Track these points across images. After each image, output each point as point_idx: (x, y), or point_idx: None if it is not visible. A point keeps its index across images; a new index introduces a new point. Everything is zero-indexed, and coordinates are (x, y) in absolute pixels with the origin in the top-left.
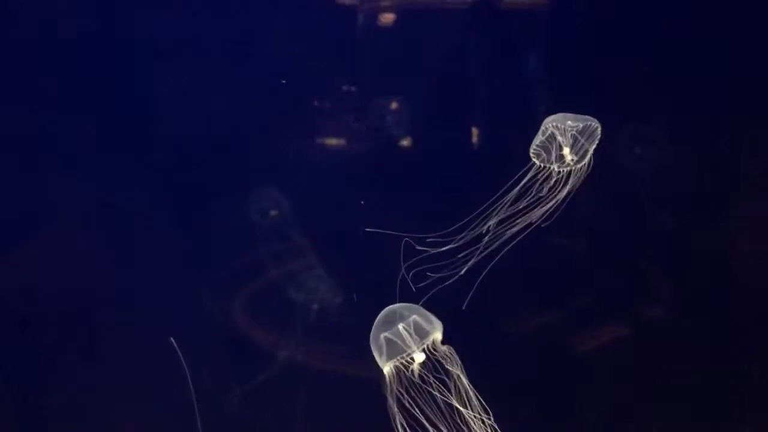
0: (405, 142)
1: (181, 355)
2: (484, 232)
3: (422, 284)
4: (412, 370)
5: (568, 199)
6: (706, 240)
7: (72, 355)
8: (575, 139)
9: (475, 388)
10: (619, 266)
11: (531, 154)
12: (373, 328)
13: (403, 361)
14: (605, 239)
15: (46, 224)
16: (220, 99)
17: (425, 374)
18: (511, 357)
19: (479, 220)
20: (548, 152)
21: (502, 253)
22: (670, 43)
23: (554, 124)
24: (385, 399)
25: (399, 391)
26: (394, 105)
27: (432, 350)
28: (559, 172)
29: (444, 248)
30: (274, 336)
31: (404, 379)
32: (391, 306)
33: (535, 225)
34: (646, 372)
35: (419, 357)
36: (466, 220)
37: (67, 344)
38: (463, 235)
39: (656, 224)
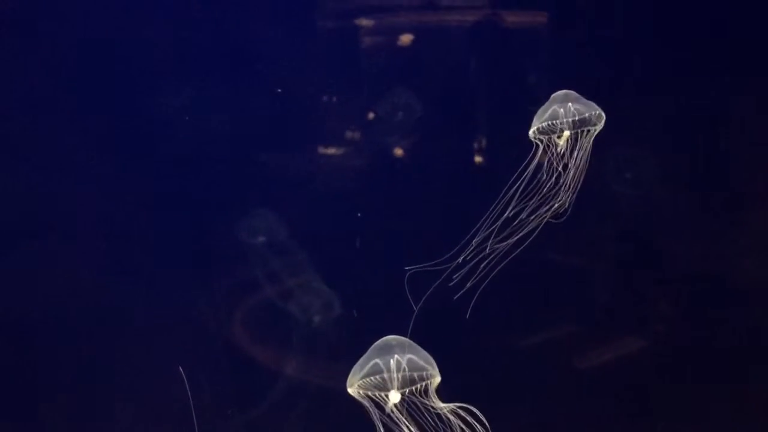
0: (404, 156)
1: (187, 384)
2: (486, 246)
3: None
4: (388, 405)
5: (572, 214)
6: (709, 254)
7: (70, 364)
8: (576, 124)
9: (478, 404)
10: (622, 282)
11: (535, 132)
12: (369, 350)
13: (377, 394)
14: (609, 255)
15: (47, 236)
16: (219, 114)
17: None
18: (513, 373)
19: (481, 234)
20: (552, 132)
21: (500, 266)
22: (671, 59)
23: (559, 105)
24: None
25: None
26: (393, 119)
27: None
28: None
29: (446, 273)
30: (272, 352)
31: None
32: (395, 336)
33: (537, 236)
34: (649, 387)
35: (395, 397)
36: (468, 235)
37: (65, 354)
38: (466, 254)
39: (660, 240)
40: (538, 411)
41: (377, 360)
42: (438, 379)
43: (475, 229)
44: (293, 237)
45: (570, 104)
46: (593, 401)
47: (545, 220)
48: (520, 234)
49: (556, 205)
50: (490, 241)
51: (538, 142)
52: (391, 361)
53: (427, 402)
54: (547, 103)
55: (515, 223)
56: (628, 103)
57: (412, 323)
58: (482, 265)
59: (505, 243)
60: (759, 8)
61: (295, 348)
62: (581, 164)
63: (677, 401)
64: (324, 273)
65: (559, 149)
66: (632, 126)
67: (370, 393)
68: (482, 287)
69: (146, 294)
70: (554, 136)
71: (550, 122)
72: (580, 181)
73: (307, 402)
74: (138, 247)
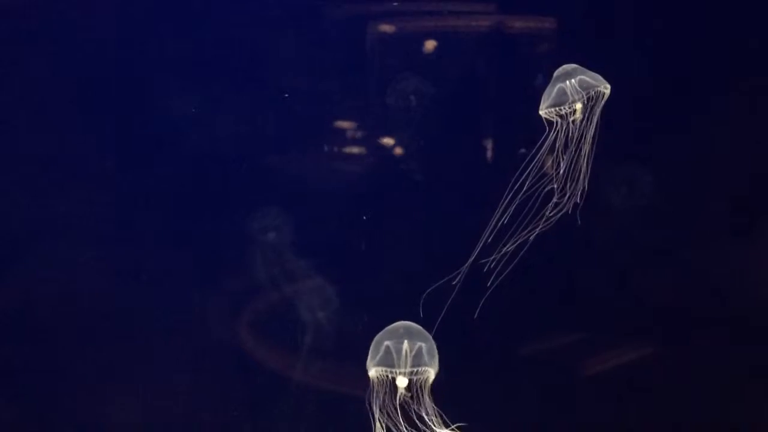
0: (409, 157)
1: None
2: (495, 251)
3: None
4: (395, 389)
5: (573, 218)
6: (712, 263)
7: (76, 365)
8: (583, 96)
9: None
10: (626, 289)
11: (546, 111)
12: (384, 331)
13: (387, 375)
14: (613, 262)
15: (50, 237)
16: (226, 118)
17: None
18: (518, 380)
19: (487, 237)
20: (562, 106)
21: (506, 272)
22: (673, 69)
23: (566, 81)
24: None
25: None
26: (402, 123)
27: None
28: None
29: (458, 280)
30: (278, 355)
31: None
32: (410, 323)
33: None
34: (653, 393)
35: (402, 382)
36: (478, 246)
37: (71, 355)
38: (469, 261)
39: (665, 249)
40: (541, 415)
41: (388, 342)
42: (433, 375)
43: (485, 232)
44: (299, 240)
45: (573, 79)
46: (597, 406)
47: (551, 223)
48: (527, 238)
49: (561, 208)
50: (499, 246)
51: (551, 119)
52: (403, 345)
53: (423, 403)
54: (552, 81)
55: (515, 223)
56: (634, 106)
57: (435, 328)
58: (492, 268)
59: (511, 247)
60: (759, 8)
61: (299, 352)
62: (588, 152)
63: (679, 405)
64: (329, 276)
65: (573, 121)
66: (635, 128)
67: (383, 374)
68: (490, 290)
69: (151, 295)
70: (567, 109)
71: (559, 104)
72: (587, 174)
73: (312, 406)
74: (144, 248)
